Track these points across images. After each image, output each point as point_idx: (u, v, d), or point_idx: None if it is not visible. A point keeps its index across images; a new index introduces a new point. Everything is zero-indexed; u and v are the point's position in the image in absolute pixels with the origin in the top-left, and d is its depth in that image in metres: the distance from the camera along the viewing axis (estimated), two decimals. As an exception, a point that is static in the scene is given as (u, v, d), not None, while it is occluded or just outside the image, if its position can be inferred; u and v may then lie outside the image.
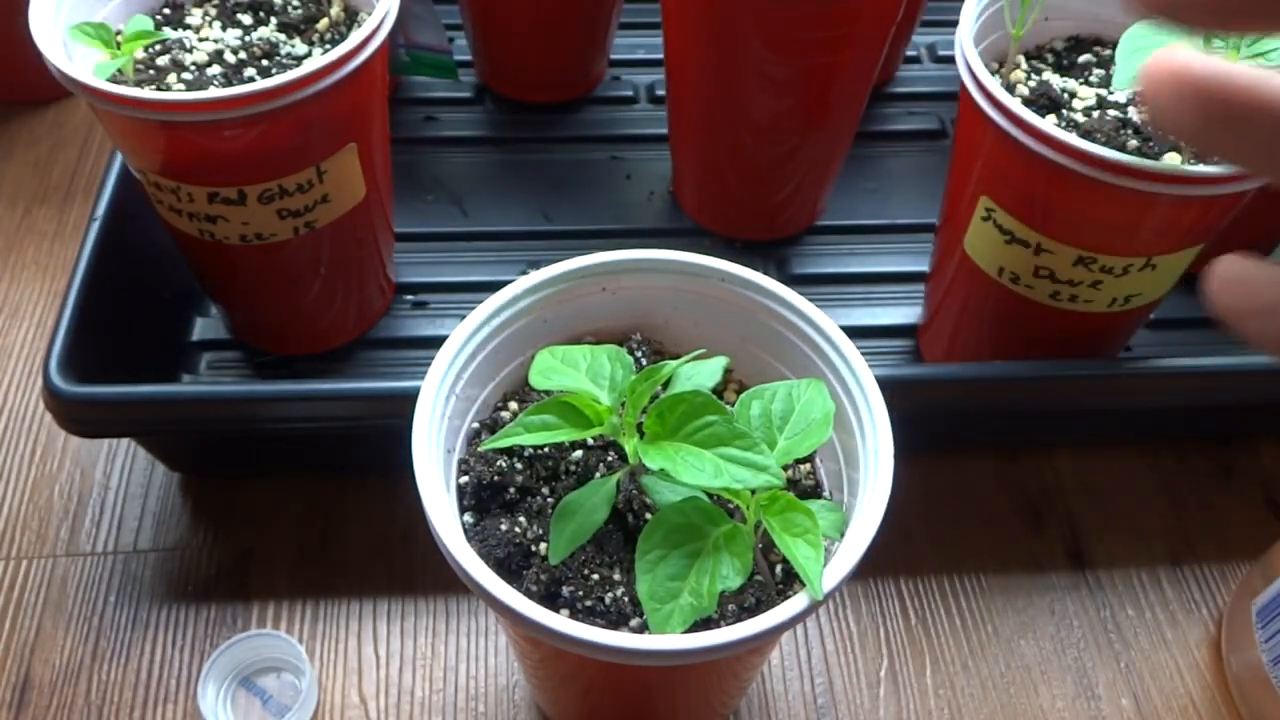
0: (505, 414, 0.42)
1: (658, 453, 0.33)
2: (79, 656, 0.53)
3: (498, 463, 0.39)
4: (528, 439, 0.34)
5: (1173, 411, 0.61)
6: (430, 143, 0.75)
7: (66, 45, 0.50)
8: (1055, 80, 0.54)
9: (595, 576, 0.37)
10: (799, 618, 0.33)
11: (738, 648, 0.32)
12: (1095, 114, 0.52)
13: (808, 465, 0.42)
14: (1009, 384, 0.54)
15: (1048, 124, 0.47)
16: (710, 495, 0.36)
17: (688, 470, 0.33)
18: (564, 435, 0.35)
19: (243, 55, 0.53)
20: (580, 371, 0.37)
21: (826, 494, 0.41)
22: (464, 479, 0.39)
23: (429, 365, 0.39)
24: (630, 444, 0.35)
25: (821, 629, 0.55)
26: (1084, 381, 0.55)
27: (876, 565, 0.57)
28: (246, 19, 0.56)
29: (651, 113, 0.78)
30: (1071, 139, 0.46)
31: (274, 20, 0.55)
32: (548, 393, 0.39)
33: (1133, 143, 0.50)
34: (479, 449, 0.38)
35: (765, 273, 0.42)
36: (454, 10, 0.77)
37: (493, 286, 0.41)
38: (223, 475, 0.60)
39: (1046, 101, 0.52)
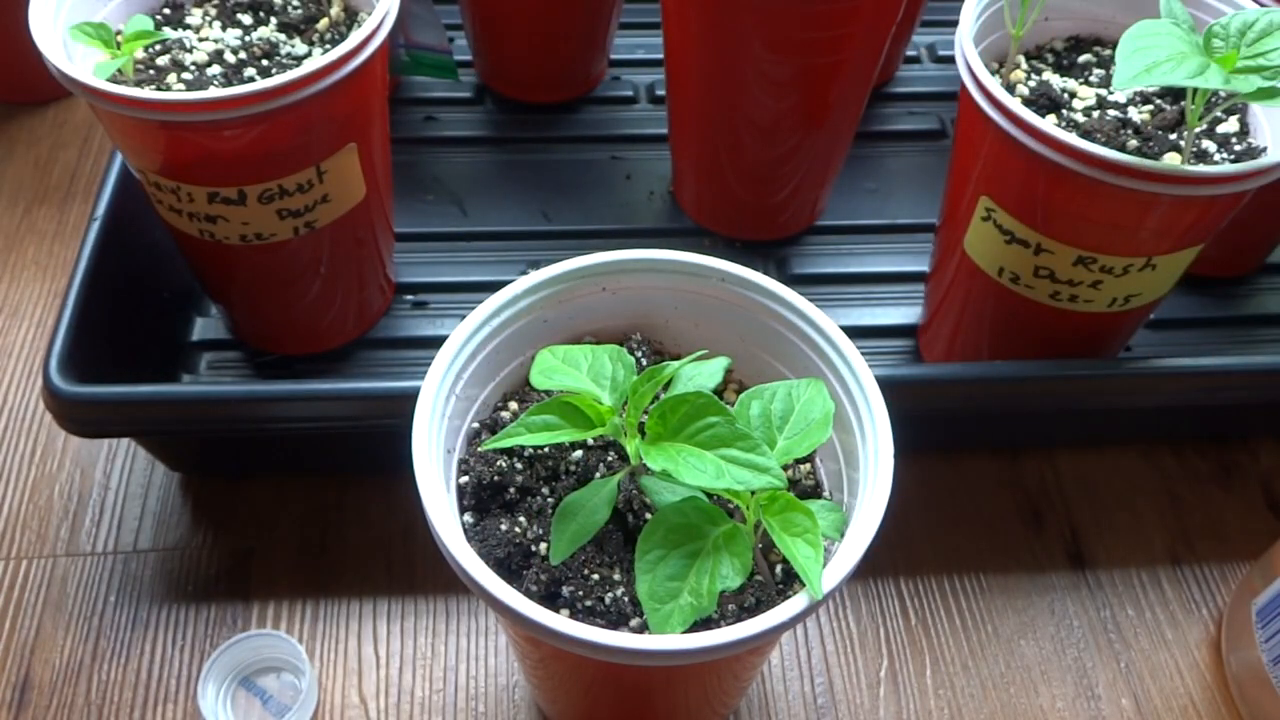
0: (505, 414, 0.42)
1: (660, 453, 0.33)
2: (79, 656, 0.53)
3: (498, 463, 0.39)
4: (529, 439, 0.34)
5: (1173, 411, 0.61)
6: (430, 143, 0.75)
7: (66, 45, 0.50)
8: (1055, 80, 0.54)
9: (595, 576, 0.37)
10: (799, 618, 0.33)
11: (738, 648, 0.32)
12: (1095, 114, 0.52)
13: (808, 465, 0.42)
14: (1009, 384, 0.54)
15: (1048, 124, 0.47)
16: (710, 495, 0.36)
17: (690, 471, 0.33)
18: (565, 436, 0.35)
19: (243, 55, 0.53)
20: (581, 371, 0.37)
21: (826, 494, 0.41)
22: (464, 479, 0.39)
23: (429, 365, 0.39)
24: (632, 445, 0.35)
25: (821, 629, 0.55)
26: (1084, 381, 0.55)
27: (876, 565, 0.57)
28: (246, 19, 0.56)
29: (651, 113, 0.78)
30: (1071, 139, 0.46)
31: (274, 20, 0.55)
32: (548, 393, 0.39)
33: (1133, 143, 0.50)
34: (479, 449, 0.38)
35: (765, 273, 0.42)
36: (454, 10, 0.77)
37: (493, 286, 0.41)
38: (223, 475, 0.60)
39: (1046, 101, 0.52)
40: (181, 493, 0.59)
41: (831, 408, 0.37)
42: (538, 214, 0.71)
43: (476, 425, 0.41)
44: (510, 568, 0.37)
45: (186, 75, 0.52)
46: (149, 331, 0.62)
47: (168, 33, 0.54)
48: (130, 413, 0.52)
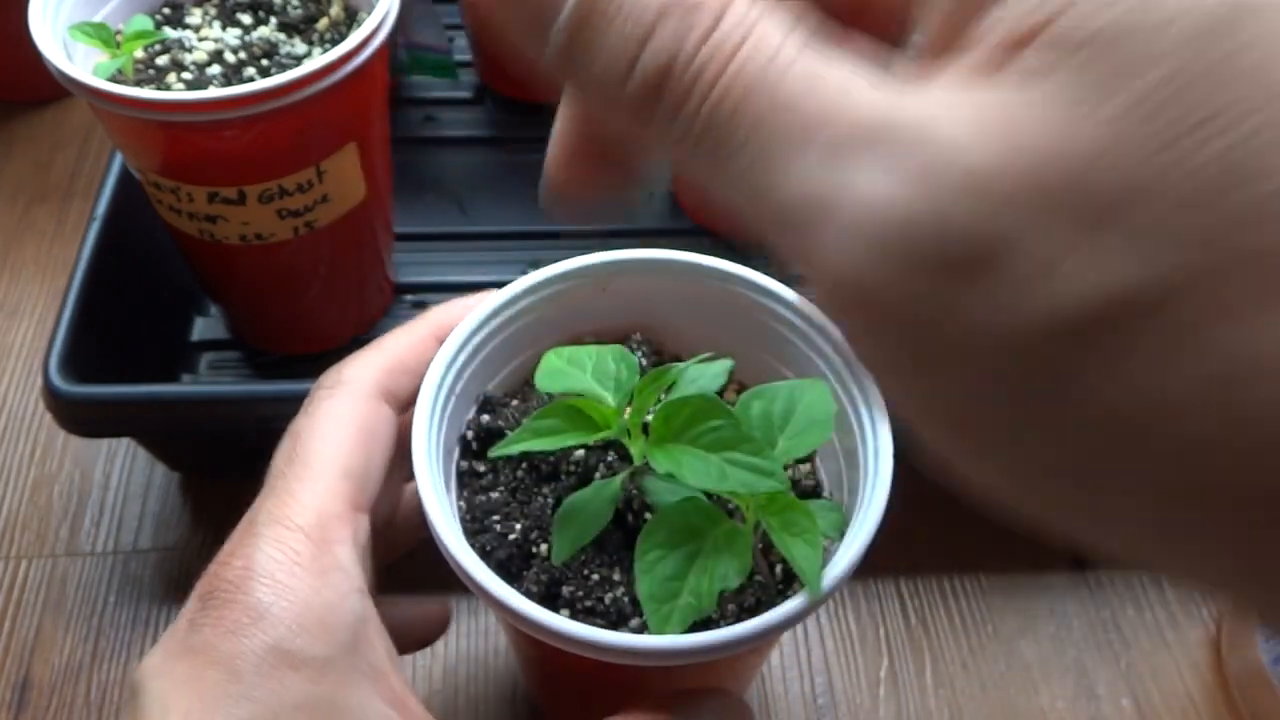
0: (506, 414, 0.42)
1: (664, 455, 0.33)
2: (79, 656, 0.53)
3: (497, 463, 0.39)
4: (535, 444, 0.34)
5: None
6: (430, 143, 0.75)
7: (66, 45, 0.50)
8: (1055, 80, 0.54)
9: (595, 576, 0.37)
10: (799, 617, 0.33)
11: (738, 648, 0.32)
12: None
13: (808, 465, 0.42)
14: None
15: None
16: (709, 495, 0.36)
17: (693, 474, 0.33)
18: (571, 440, 0.34)
19: (243, 55, 0.53)
20: (586, 372, 0.37)
21: (826, 494, 0.41)
22: (464, 479, 0.40)
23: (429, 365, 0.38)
24: (636, 446, 0.35)
25: (821, 629, 0.55)
26: (1084, 381, 0.54)
27: (876, 565, 0.56)
28: (246, 19, 0.56)
29: (651, 113, 0.78)
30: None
31: (274, 20, 0.55)
32: (550, 393, 0.39)
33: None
34: (488, 455, 0.38)
35: (765, 273, 0.42)
36: (454, 10, 0.77)
37: (493, 286, 0.41)
38: (223, 475, 0.60)
39: (1046, 101, 0.52)
40: (181, 493, 0.59)
41: (833, 408, 0.37)
42: (538, 214, 0.71)
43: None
44: (510, 568, 0.37)
45: (186, 75, 0.52)
46: (149, 331, 0.62)
47: (168, 33, 0.54)
48: (130, 413, 0.52)
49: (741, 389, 0.43)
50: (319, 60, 0.48)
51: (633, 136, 0.20)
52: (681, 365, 0.37)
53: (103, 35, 0.50)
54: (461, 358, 0.40)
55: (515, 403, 0.42)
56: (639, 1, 0.18)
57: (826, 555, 0.35)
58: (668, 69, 0.18)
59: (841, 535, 0.37)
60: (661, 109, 0.18)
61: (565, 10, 0.19)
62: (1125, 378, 0.15)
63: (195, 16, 0.56)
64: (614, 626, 0.36)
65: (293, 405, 0.54)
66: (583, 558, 0.37)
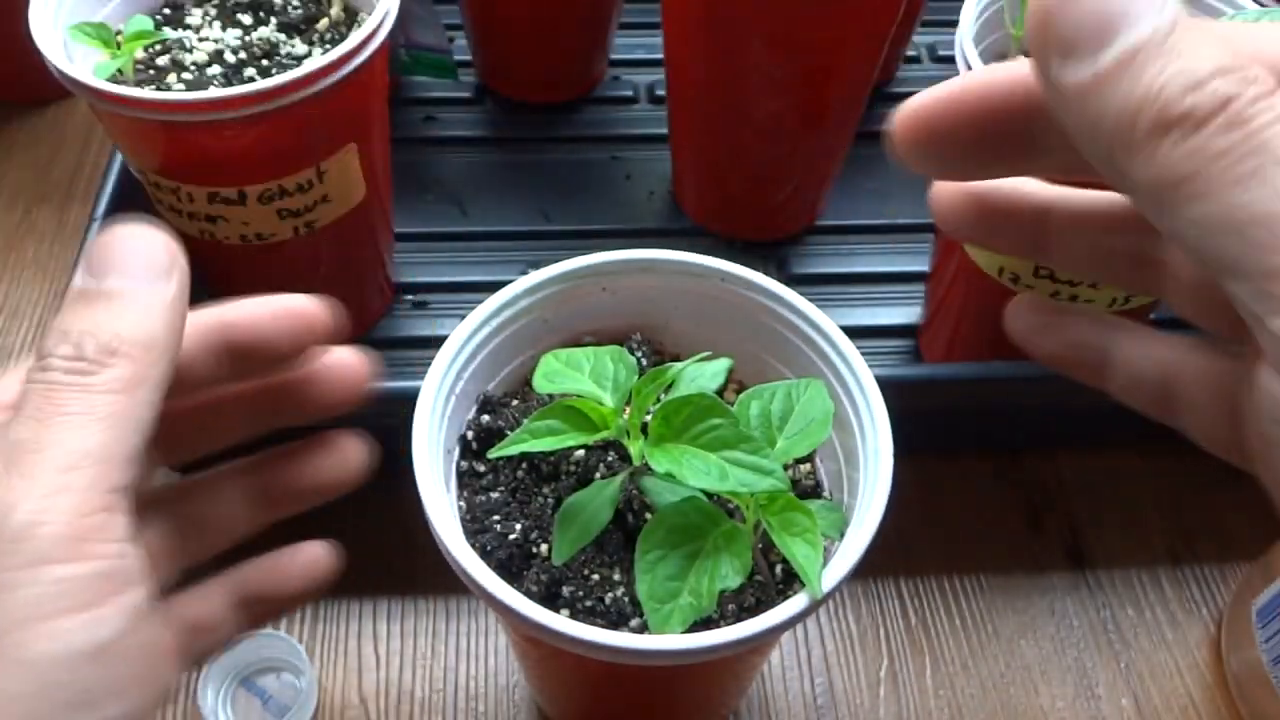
0: (506, 414, 0.42)
1: (664, 455, 0.33)
2: (79, 656, 0.53)
3: (497, 463, 0.39)
4: (535, 445, 0.34)
5: (1173, 411, 0.61)
6: (430, 143, 0.75)
7: (66, 45, 0.50)
8: (1055, 80, 0.54)
9: (595, 576, 0.37)
10: (799, 618, 0.33)
11: (738, 648, 0.32)
12: (1095, 114, 0.52)
13: (808, 465, 0.42)
14: (1009, 384, 0.54)
15: (1048, 124, 0.47)
16: (710, 495, 0.36)
17: (693, 473, 0.33)
18: (571, 441, 0.35)
19: (243, 55, 0.53)
20: (584, 374, 0.37)
21: (826, 494, 0.41)
22: (464, 479, 0.40)
23: (429, 365, 0.39)
24: (636, 446, 0.35)
25: (821, 629, 0.55)
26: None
27: (876, 565, 0.56)
28: (246, 19, 0.56)
29: (651, 113, 0.78)
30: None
31: (274, 20, 0.55)
32: (551, 394, 0.39)
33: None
34: (487, 456, 0.38)
35: (765, 273, 0.42)
36: (454, 10, 0.77)
37: (493, 286, 0.41)
38: (223, 475, 0.60)
39: (1046, 101, 0.52)
40: (181, 493, 0.59)
41: (831, 408, 0.37)
42: (538, 214, 0.71)
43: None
44: (510, 568, 0.37)
45: (186, 75, 0.52)
46: (149, 331, 0.61)
47: (168, 33, 0.54)
48: (130, 413, 0.52)
49: (740, 388, 0.43)
50: (319, 60, 0.48)
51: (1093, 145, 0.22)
52: (680, 365, 0.37)
53: (103, 35, 0.50)
54: (462, 358, 0.40)
55: (515, 403, 0.42)
56: (1198, 54, 0.21)
57: (826, 555, 0.35)
58: (1226, 103, 0.20)
59: (841, 535, 0.37)
60: (1179, 135, 0.20)
61: (1119, 43, 0.21)
62: None
63: (195, 16, 0.56)
64: (614, 626, 0.36)
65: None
66: (583, 558, 0.37)
